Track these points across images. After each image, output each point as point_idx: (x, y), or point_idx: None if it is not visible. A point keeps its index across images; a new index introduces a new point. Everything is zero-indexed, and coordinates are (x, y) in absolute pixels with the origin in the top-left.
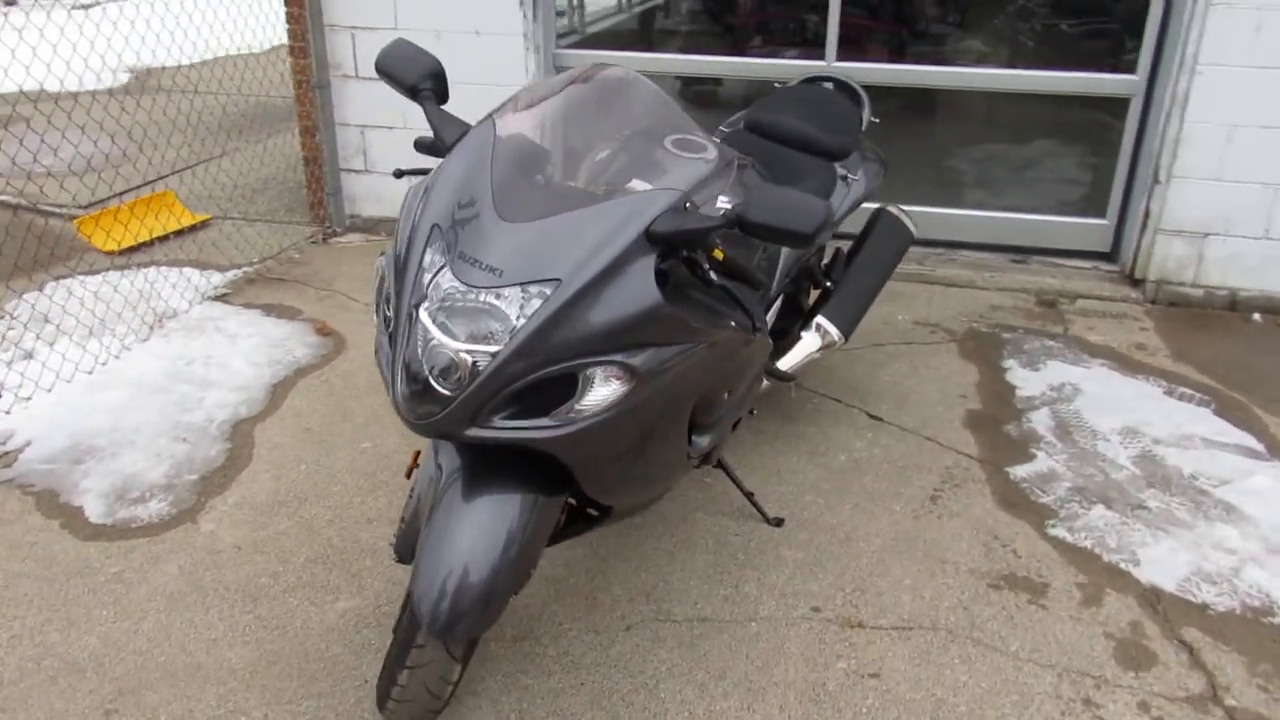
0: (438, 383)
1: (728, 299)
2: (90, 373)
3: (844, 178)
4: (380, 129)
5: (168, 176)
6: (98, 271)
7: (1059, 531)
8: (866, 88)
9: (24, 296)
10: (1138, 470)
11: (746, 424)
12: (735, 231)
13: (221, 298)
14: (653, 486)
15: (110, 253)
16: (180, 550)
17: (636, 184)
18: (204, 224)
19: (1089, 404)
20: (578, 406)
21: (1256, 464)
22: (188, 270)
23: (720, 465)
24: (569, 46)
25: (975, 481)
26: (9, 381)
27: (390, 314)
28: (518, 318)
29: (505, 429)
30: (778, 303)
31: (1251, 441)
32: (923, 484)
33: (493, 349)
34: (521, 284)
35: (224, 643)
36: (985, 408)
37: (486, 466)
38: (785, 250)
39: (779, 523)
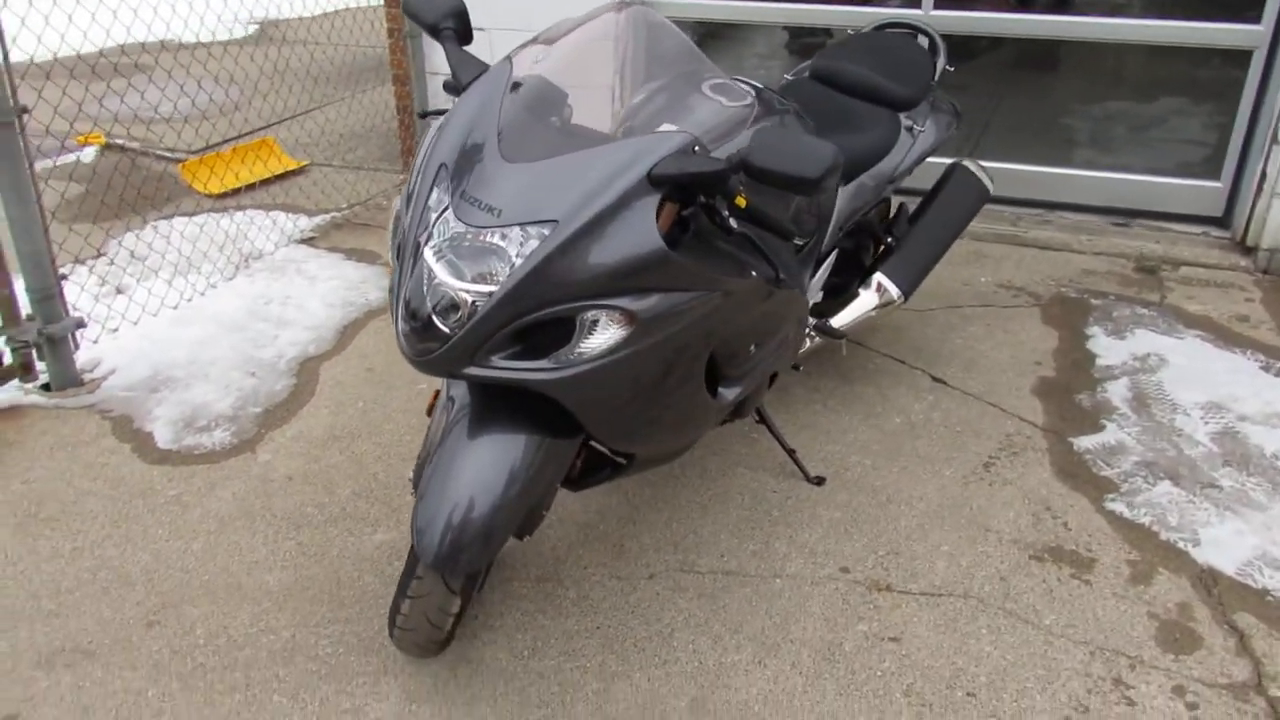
0: (440, 320)
1: (750, 247)
2: (175, 308)
3: (909, 129)
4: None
5: (274, 125)
6: (196, 213)
7: (1117, 506)
8: (968, 38)
9: (125, 236)
10: (1215, 447)
11: (800, 381)
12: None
13: (308, 241)
14: (672, 436)
15: (209, 195)
16: (236, 478)
17: (666, 128)
18: (301, 170)
19: (1174, 376)
20: (576, 350)
21: None
22: (278, 214)
23: (763, 420)
24: None
25: (1035, 450)
26: (97, 314)
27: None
28: (516, 258)
29: (503, 369)
30: (831, 257)
31: None
32: (978, 450)
33: (490, 289)
34: (520, 224)
35: (264, 565)
36: (1059, 375)
37: (495, 405)
38: (840, 202)
39: (820, 481)
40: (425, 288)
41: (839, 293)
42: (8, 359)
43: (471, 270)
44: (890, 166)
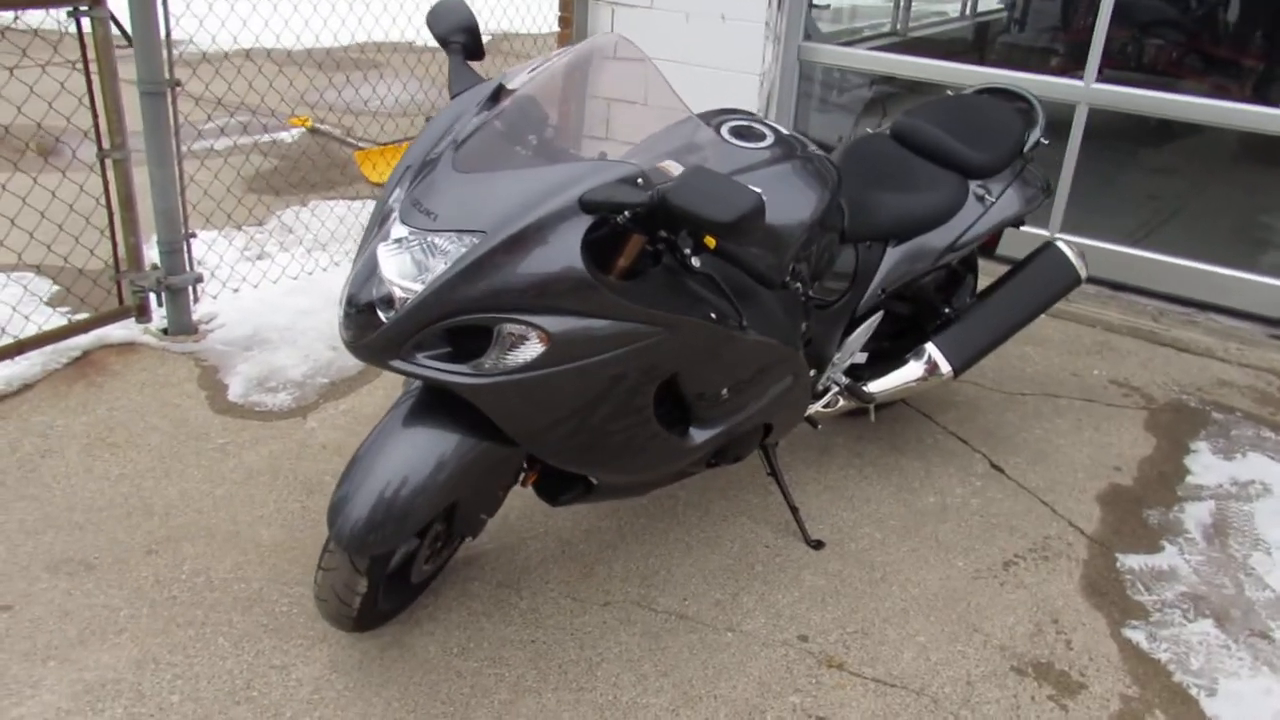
0: (381, 312)
1: (713, 288)
2: (295, 279)
3: (980, 197)
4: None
5: None
6: (357, 198)
7: (1137, 635)
8: (1132, 118)
9: (286, 210)
10: None
11: (844, 443)
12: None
13: None
14: (620, 465)
15: (374, 184)
16: (279, 438)
17: (669, 164)
18: None
19: (1272, 509)
20: (491, 361)
21: None
22: None
23: (772, 472)
24: (849, 44)
25: (1070, 559)
26: (227, 275)
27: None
28: (445, 263)
29: (426, 367)
30: (875, 318)
31: None
32: (1005, 546)
33: (417, 288)
34: (452, 231)
35: (265, 520)
36: (1135, 486)
37: (442, 400)
38: (888, 263)
39: (818, 545)
40: (365, 279)
41: (887, 358)
42: (128, 300)
43: (409, 268)
44: (951, 233)
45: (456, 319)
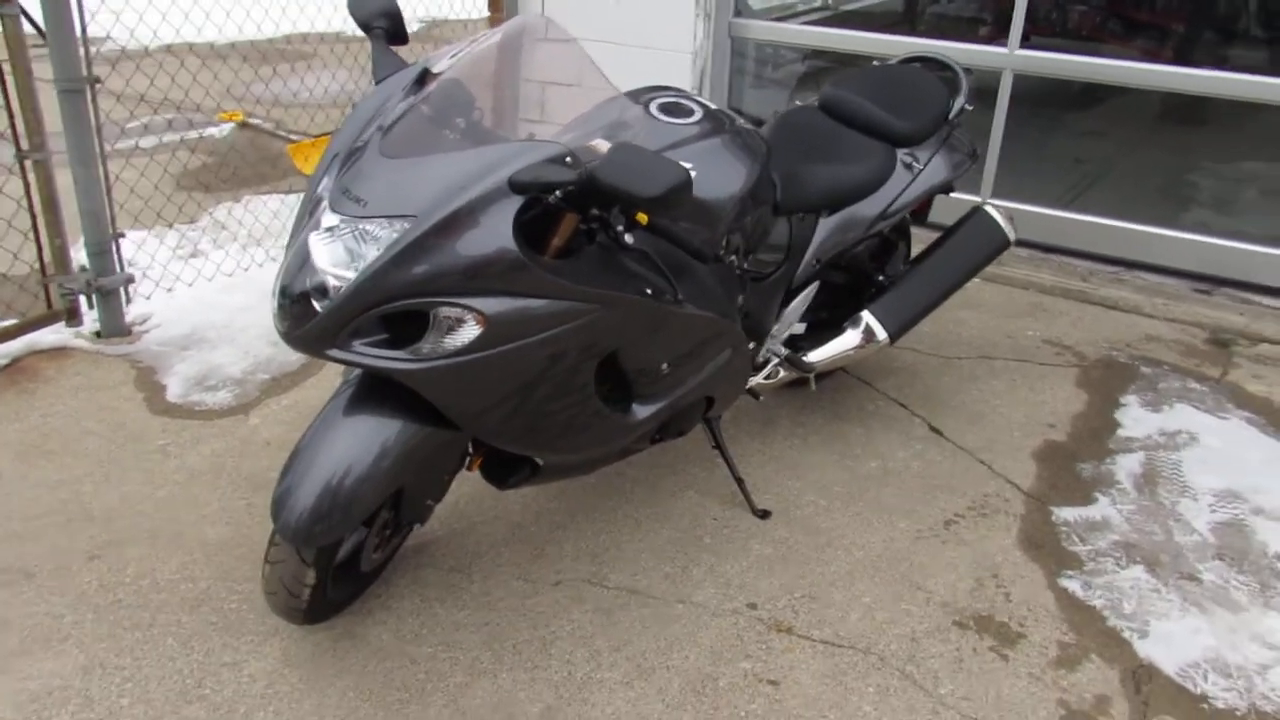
0: (315, 301)
1: (649, 264)
2: (231, 275)
3: (909, 165)
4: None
5: None
6: (291, 192)
7: (1072, 584)
8: (1059, 83)
9: (219, 206)
10: (1212, 538)
11: (787, 414)
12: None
13: None
14: (566, 443)
15: (308, 177)
16: (221, 436)
17: (598, 143)
18: None
19: (1198, 457)
20: (429, 345)
21: None
22: None
23: (718, 446)
24: (797, 19)
25: (1007, 515)
26: (158, 274)
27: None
28: (377, 249)
29: (363, 354)
30: (811, 289)
31: None
32: (946, 506)
33: (350, 275)
34: (383, 217)
35: (210, 520)
36: (1069, 441)
37: (380, 388)
38: (821, 233)
39: (765, 515)
40: (297, 268)
41: (826, 327)
42: (57, 304)
43: (341, 256)
44: (881, 201)
45: (392, 305)
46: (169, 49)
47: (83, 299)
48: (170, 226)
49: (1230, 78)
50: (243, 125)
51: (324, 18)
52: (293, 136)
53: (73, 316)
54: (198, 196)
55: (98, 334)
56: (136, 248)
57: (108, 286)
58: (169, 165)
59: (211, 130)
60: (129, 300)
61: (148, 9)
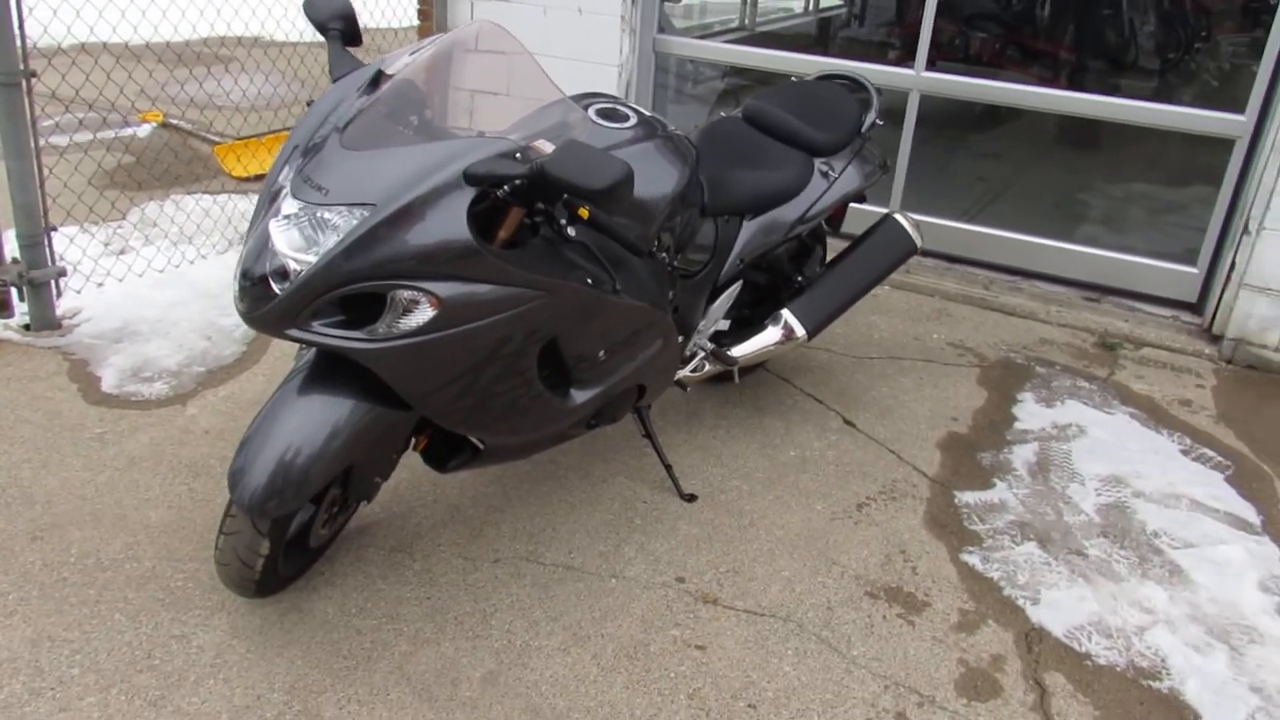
0: (275, 284)
1: (589, 256)
2: (161, 272)
3: (825, 173)
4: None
5: None
6: (219, 193)
7: (972, 559)
8: (963, 106)
9: (147, 205)
10: (1097, 518)
11: (711, 406)
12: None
13: None
14: (508, 425)
15: (237, 178)
16: (159, 425)
17: (542, 143)
18: None
19: (1086, 447)
20: (385, 326)
21: (1238, 535)
22: None
23: (647, 435)
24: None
25: (914, 498)
26: (89, 269)
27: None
28: (337, 235)
29: (322, 334)
30: (735, 287)
31: (1250, 514)
32: (858, 491)
33: (310, 259)
34: (345, 204)
35: (153, 503)
36: (970, 433)
37: (332, 368)
38: (744, 235)
39: (691, 499)
40: (258, 252)
41: (748, 325)
42: None
43: (301, 241)
44: (801, 206)
45: (352, 287)
46: (83, 47)
47: (14, 291)
48: (100, 222)
49: (1117, 103)
50: (164, 125)
51: (241, 21)
52: (217, 138)
53: (4, 308)
54: (128, 193)
55: (26, 326)
56: (68, 242)
57: (40, 279)
58: (102, 161)
59: (131, 130)
60: (59, 294)
61: (61, 5)
